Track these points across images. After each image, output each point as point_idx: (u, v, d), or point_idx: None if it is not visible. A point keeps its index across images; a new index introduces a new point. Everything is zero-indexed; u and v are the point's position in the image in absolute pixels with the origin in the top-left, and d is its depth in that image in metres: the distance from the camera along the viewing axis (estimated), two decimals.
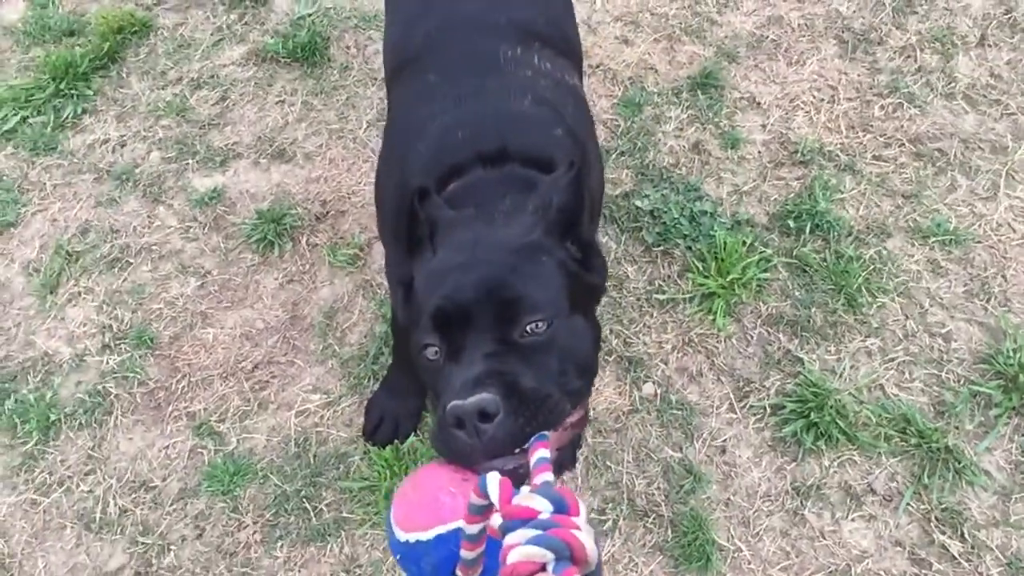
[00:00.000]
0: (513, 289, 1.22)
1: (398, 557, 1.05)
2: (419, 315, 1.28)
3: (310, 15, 2.92)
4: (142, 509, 2.13)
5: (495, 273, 1.24)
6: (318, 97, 2.76)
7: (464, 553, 0.95)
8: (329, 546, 2.04)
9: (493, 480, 0.90)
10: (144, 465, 2.19)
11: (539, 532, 0.82)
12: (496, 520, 0.86)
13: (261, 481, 2.14)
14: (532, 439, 1.07)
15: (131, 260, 2.50)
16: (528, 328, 1.20)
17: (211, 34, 2.95)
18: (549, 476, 0.96)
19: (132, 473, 2.19)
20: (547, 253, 1.29)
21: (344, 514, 2.06)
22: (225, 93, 2.81)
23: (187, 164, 2.67)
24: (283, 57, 2.84)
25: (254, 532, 2.08)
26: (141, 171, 2.67)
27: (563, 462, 1.22)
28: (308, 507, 2.08)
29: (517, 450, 1.09)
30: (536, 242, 1.29)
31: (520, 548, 0.81)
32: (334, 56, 2.84)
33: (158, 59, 2.92)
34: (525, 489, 0.89)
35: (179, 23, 3.00)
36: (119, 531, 2.10)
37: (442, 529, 1.00)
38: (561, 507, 0.86)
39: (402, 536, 1.03)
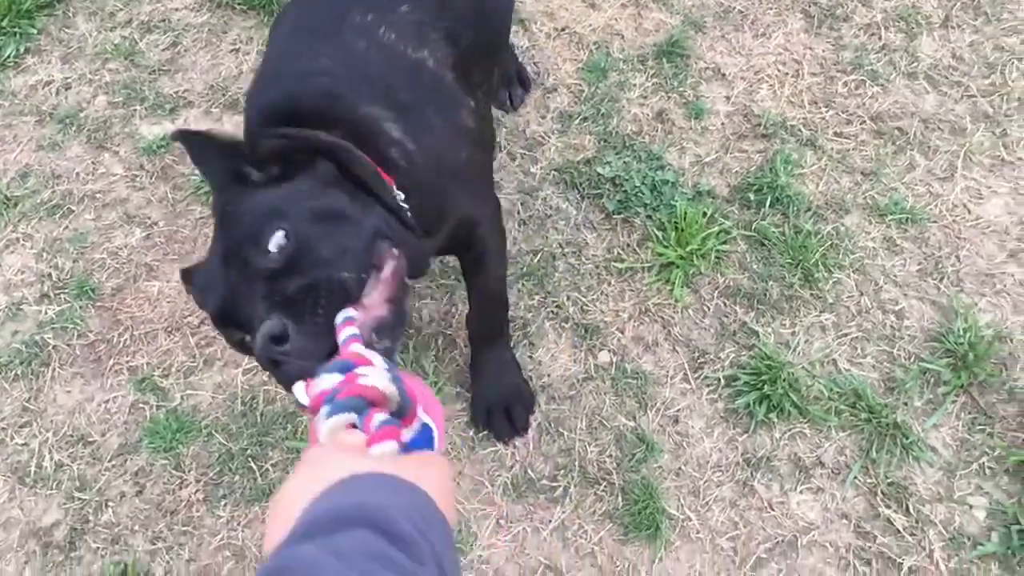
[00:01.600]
0: (235, 239, 1.26)
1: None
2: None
3: None
4: (79, 464, 2.07)
5: (220, 243, 1.30)
6: None
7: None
8: None
9: (298, 390, 0.96)
10: (82, 419, 2.12)
11: (331, 403, 0.87)
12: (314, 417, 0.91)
13: (205, 439, 2.08)
14: (338, 321, 1.08)
15: (73, 208, 2.41)
16: (271, 251, 1.20)
17: None
18: (359, 347, 1.00)
19: (70, 427, 2.12)
20: (234, 192, 1.33)
21: (290, 473, 2.02)
22: (177, 38, 2.71)
23: (135, 110, 2.57)
24: (238, 3, 2.74)
25: (196, 490, 2.02)
26: (86, 115, 2.56)
27: (401, 316, 1.21)
28: (253, 466, 2.03)
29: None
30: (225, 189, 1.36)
31: (323, 424, 0.87)
32: None
33: None
34: (320, 372, 0.93)
35: None
36: (55, 486, 2.04)
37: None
38: (346, 368, 0.91)
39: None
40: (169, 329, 2.22)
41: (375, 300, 1.20)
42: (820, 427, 2.01)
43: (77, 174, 2.46)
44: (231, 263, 1.24)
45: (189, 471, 2.04)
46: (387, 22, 1.61)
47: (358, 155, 1.37)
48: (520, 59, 2.54)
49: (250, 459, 2.04)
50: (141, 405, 2.13)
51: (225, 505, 1.99)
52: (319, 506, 0.74)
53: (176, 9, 2.76)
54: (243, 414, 2.10)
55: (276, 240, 1.20)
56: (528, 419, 2.04)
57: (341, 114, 1.48)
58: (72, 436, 2.11)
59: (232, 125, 2.52)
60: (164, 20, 2.74)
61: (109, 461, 2.07)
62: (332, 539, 0.68)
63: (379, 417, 0.85)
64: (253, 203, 1.29)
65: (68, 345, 2.21)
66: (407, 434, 0.90)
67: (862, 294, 2.18)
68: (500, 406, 2.03)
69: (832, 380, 2.06)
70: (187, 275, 1.41)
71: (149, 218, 2.39)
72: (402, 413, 0.89)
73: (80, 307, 2.26)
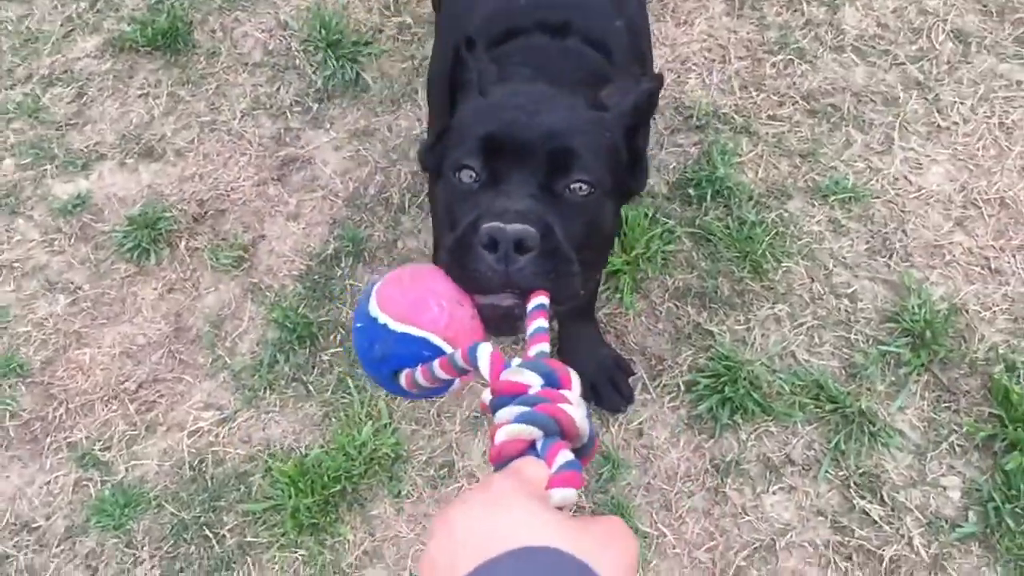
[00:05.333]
0: (572, 142, 1.19)
1: (358, 325, 1.02)
2: (462, 141, 1.23)
3: None
4: (25, 553, 1.97)
5: (558, 122, 1.20)
6: (185, 87, 2.56)
7: (419, 376, 0.94)
8: (235, 574, 1.91)
9: (484, 353, 0.87)
10: (24, 504, 2.02)
11: (526, 409, 0.79)
12: (486, 396, 0.84)
13: (156, 511, 1.99)
14: (534, 305, 1.02)
15: None
16: (573, 186, 1.18)
17: (60, 25, 2.71)
18: (543, 323, 0.95)
19: (12, 514, 2.01)
20: (612, 134, 1.27)
21: (248, 538, 1.94)
22: (81, 89, 2.58)
23: (45, 170, 2.45)
24: (142, 46, 2.62)
25: (152, 567, 1.93)
26: None
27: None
28: (209, 534, 1.95)
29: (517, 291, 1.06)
30: (603, 119, 1.27)
31: (507, 427, 0.79)
32: (199, 42, 2.63)
33: (3, 56, 2.67)
34: (516, 361, 0.85)
35: (23, 15, 2.75)
36: None
37: (412, 331, 0.97)
38: (551, 380, 0.82)
39: (374, 311, 0.99)
40: (106, 398, 2.12)
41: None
42: (786, 423, 1.97)
43: None
44: (550, 132, 1.19)
45: (142, 547, 1.95)
46: None
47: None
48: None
49: (204, 527, 1.95)
50: (85, 482, 2.03)
51: None
52: None
53: (77, 59, 2.64)
54: (192, 479, 2.01)
55: (582, 185, 1.19)
56: (632, 386, 2.03)
57: None
58: (15, 524, 2.00)
59: (150, 174, 2.41)
60: (66, 71, 2.61)
61: (57, 547, 1.97)
62: None
63: (565, 455, 0.78)
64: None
65: (1, 427, 2.10)
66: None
67: (813, 280, 2.14)
68: (604, 379, 2.01)
69: (793, 373, 2.02)
70: (471, 43, 1.37)
71: (72, 283, 2.28)
72: (581, 452, 0.82)
73: (9, 386, 2.15)
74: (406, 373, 0.97)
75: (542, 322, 0.97)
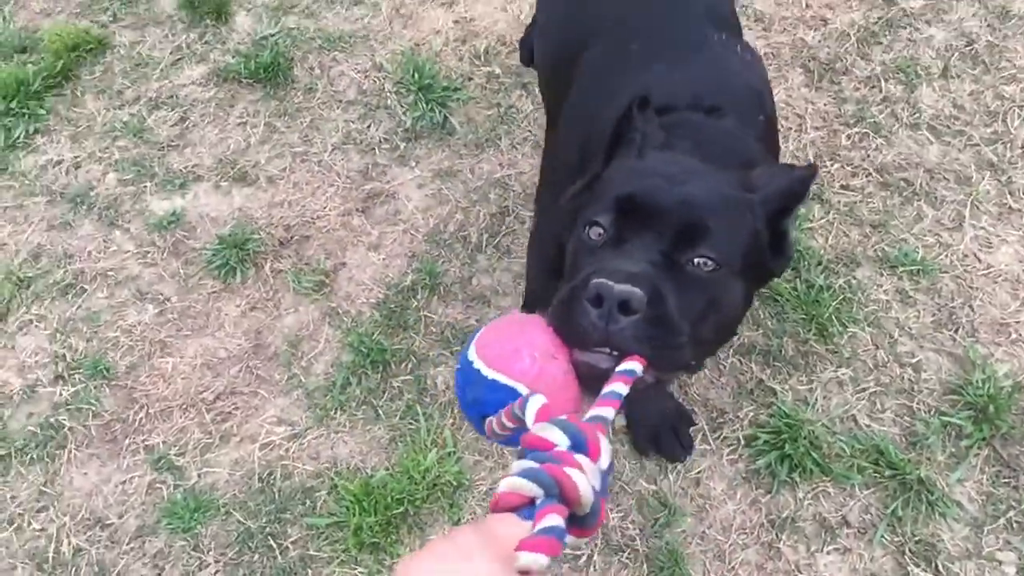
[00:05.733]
0: (706, 216, 1.19)
1: (459, 366, 1.05)
2: (600, 198, 1.24)
3: (273, 35, 2.86)
4: (98, 548, 2.05)
5: (698, 194, 1.21)
6: (281, 119, 2.70)
7: (494, 424, 0.95)
8: None
9: (534, 405, 0.89)
10: (100, 501, 2.11)
11: (534, 465, 0.80)
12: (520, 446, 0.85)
13: (223, 517, 2.06)
14: (623, 368, 1.02)
15: (86, 286, 2.42)
16: (697, 260, 1.17)
17: (170, 53, 2.88)
18: (621, 388, 0.95)
19: (87, 510, 2.10)
20: (751, 213, 1.26)
21: (311, 551, 2.00)
22: (184, 114, 2.74)
23: (145, 187, 2.59)
24: (245, 78, 2.77)
25: (216, 571, 2.00)
26: (96, 193, 2.58)
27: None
28: (273, 544, 2.01)
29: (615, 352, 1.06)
30: (747, 200, 1.26)
31: (510, 479, 0.79)
32: (298, 77, 2.78)
33: (114, 78, 2.84)
34: (563, 418, 0.86)
35: (136, 41, 2.92)
36: (73, 571, 2.02)
37: (501, 379, 1.00)
38: (578, 443, 0.82)
39: (471, 355, 1.03)
40: (184, 406, 2.22)
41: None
42: (843, 485, 1.99)
43: (89, 253, 2.47)
44: (685, 204, 1.20)
45: (208, 552, 2.02)
46: None
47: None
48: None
49: (269, 537, 2.02)
50: (158, 485, 2.12)
51: None
52: None
53: (183, 85, 2.80)
54: (261, 491, 2.09)
55: (707, 261, 1.18)
56: (692, 436, 2.08)
57: None
58: (90, 519, 2.09)
59: (242, 198, 2.54)
60: (172, 96, 2.77)
61: (127, 544, 2.05)
62: None
63: (552, 519, 0.77)
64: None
65: (83, 426, 2.21)
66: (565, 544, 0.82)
67: (878, 347, 2.17)
68: (667, 428, 2.06)
69: (853, 436, 2.04)
70: (645, 102, 1.39)
71: (162, 294, 2.39)
72: (582, 522, 0.82)
73: (95, 387, 2.25)
74: (488, 420, 0.98)
75: (620, 387, 0.97)
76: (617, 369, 1.01)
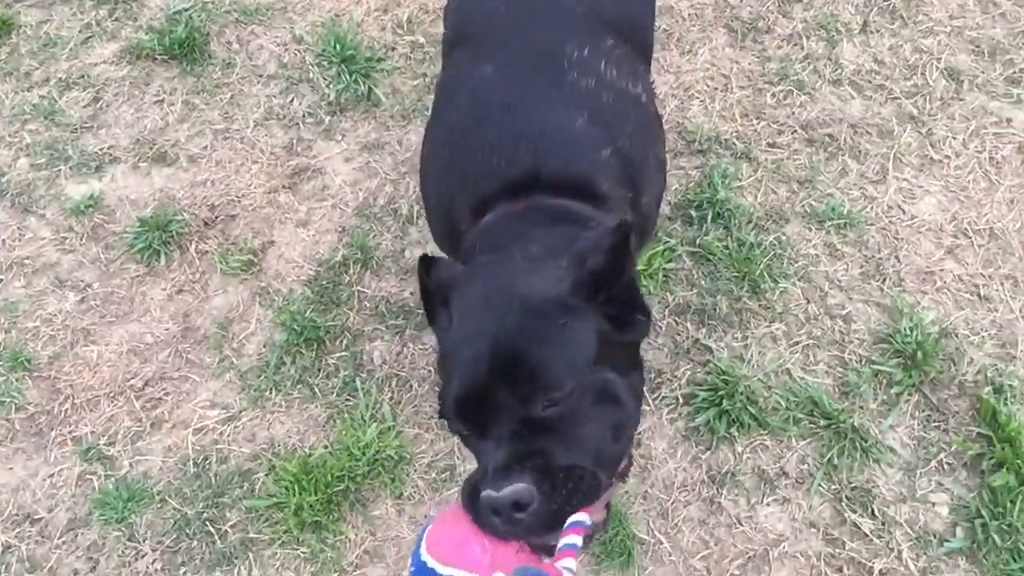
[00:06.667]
0: (527, 362, 1.16)
1: (412, 569, 1.07)
2: (445, 399, 1.23)
3: (187, 9, 2.77)
4: (28, 544, 1.99)
5: (507, 343, 1.17)
6: (200, 96, 2.62)
7: None
8: (236, 569, 1.94)
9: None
10: (27, 496, 2.04)
11: None
12: None
13: (158, 506, 2.01)
14: (570, 523, 1.06)
15: (1, 276, 2.33)
16: (548, 400, 1.15)
17: (79, 31, 2.77)
18: (575, 539, 0.99)
19: (15, 506, 2.03)
20: (571, 314, 1.20)
21: (251, 535, 1.96)
22: (97, 94, 2.64)
23: (59, 171, 2.50)
24: (159, 54, 2.68)
25: (154, 560, 1.95)
26: (8, 179, 2.48)
27: (608, 519, 1.26)
28: (211, 530, 1.97)
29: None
30: (559, 299, 1.21)
31: None
32: (215, 52, 2.70)
33: (21, 59, 2.72)
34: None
35: (43, 20, 2.81)
36: (4, 569, 1.95)
37: (456, 573, 1.02)
38: None
39: (423, 555, 1.05)
40: (112, 394, 2.15)
41: (599, 504, 1.18)
42: (780, 437, 2.02)
43: (3, 241, 2.38)
44: (504, 362, 1.16)
45: (144, 541, 1.97)
46: None
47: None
48: None
49: (207, 522, 1.98)
50: (88, 476, 2.06)
51: (185, 573, 1.93)
52: None
53: (95, 64, 2.69)
54: (196, 476, 2.04)
55: (553, 401, 1.15)
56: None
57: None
58: (18, 515, 2.02)
59: (162, 179, 2.46)
60: (83, 76, 2.67)
61: (59, 538, 1.99)
62: None
63: None
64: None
65: (7, 420, 2.13)
66: None
67: (809, 301, 2.20)
68: None
69: (788, 389, 2.07)
70: (427, 261, 1.36)
71: (82, 281, 2.31)
72: None
73: (16, 379, 2.18)
74: None
75: (573, 538, 1.02)
76: (568, 523, 1.06)
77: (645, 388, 2.08)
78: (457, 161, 1.56)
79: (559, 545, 1.01)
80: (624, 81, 1.61)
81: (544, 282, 1.23)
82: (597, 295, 1.23)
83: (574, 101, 1.53)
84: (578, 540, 1.02)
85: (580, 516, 1.07)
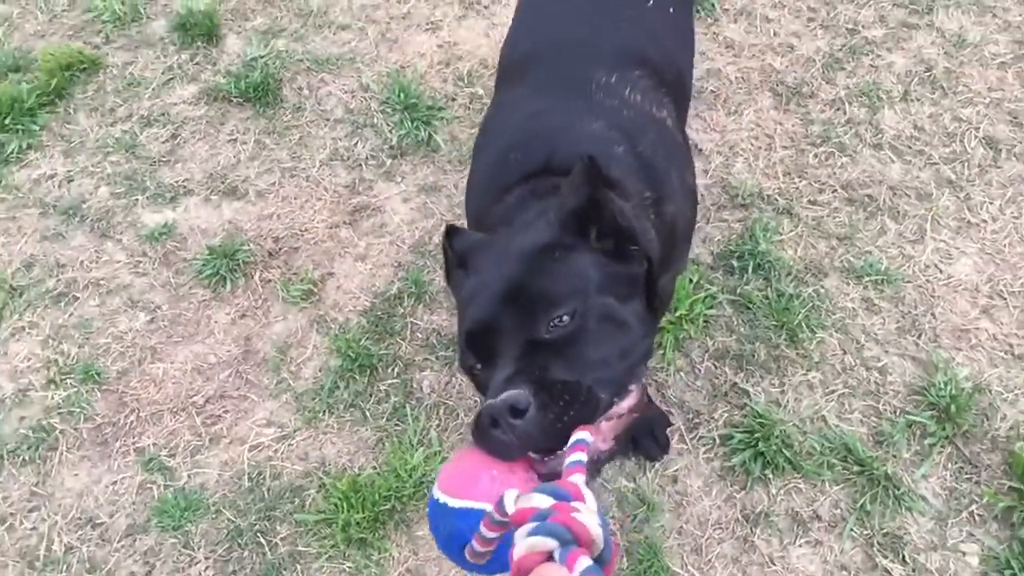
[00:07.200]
0: (528, 290, 1.26)
1: (429, 511, 1.09)
2: (459, 338, 1.35)
3: (262, 57, 2.96)
4: (88, 546, 2.09)
5: (509, 280, 1.28)
6: (270, 136, 2.78)
7: (475, 544, 0.97)
8: None
9: (510, 497, 0.90)
10: (91, 501, 2.15)
11: (540, 523, 0.83)
12: (486, 533, 0.90)
13: (213, 516, 2.11)
14: (572, 441, 1.06)
15: (78, 295, 2.47)
16: (553, 323, 1.23)
17: (161, 73, 2.96)
18: (580, 479, 0.95)
19: (78, 509, 2.14)
20: (562, 248, 1.32)
21: (299, 548, 2.05)
22: (176, 131, 2.81)
23: (136, 200, 2.66)
24: (235, 97, 2.86)
25: (206, 568, 2.04)
26: (88, 206, 2.65)
27: (621, 452, 1.27)
28: (262, 541, 2.06)
29: (559, 452, 1.11)
30: (548, 242, 1.32)
31: (523, 541, 0.82)
32: (286, 97, 2.88)
33: (107, 96, 2.92)
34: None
35: (128, 62, 3.01)
36: (64, 569, 2.05)
37: (470, 504, 1.04)
38: (561, 497, 0.86)
39: (436, 494, 1.07)
40: (174, 410, 2.27)
41: (605, 429, 1.22)
42: (814, 481, 2.08)
43: (81, 263, 2.53)
44: (509, 296, 1.27)
45: (198, 549, 2.06)
46: None
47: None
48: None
49: (259, 534, 2.07)
50: (148, 485, 2.16)
51: None
52: None
53: (174, 103, 2.88)
54: (250, 490, 2.14)
55: (560, 318, 1.23)
56: (668, 437, 2.14)
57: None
58: (81, 519, 2.13)
59: (231, 211, 2.61)
60: (163, 114, 2.85)
61: (118, 542, 2.09)
62: None
63: (584, 561, 0.79)
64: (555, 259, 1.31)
65: (75, 429, 2.25)
66: None
67: (845, 352, 2.27)
68: (644, 429, 2.11)
69: (823, 435, 2.13)
70: (451, 231, 1.47)
71: (152, 302, 2.45)
72: (601, 561, 0.83)
73: (86, 391, 2.30)
74: (468, 547, 0.99)
75: (578, 455, 1.01)
76: (571, 441, 1.06)
77: (683, 426, 2.15)
78: (487, 167, 1.71)
79: (564, 463, 0.99)
80: (648, 105, 1.72)
81: (537, 233, 1.34)
82: (587, 231, 1.33)
83: (595, 112, 1.65)
84: (582, 456, 0.99)
85: (582, 434, 1.06)
